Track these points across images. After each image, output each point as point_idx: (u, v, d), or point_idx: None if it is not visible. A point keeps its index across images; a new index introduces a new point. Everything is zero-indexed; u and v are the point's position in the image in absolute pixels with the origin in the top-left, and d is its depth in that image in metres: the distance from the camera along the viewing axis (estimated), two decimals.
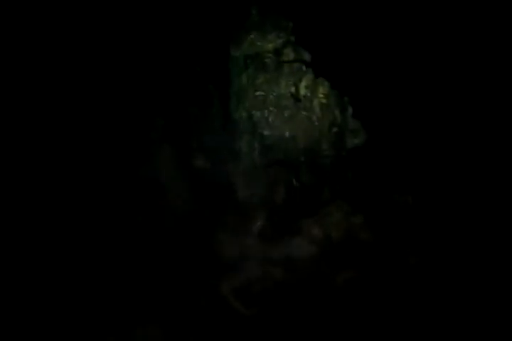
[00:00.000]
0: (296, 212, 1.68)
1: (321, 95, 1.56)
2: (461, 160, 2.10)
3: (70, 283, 1.89)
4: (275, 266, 1.64)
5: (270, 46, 1.56)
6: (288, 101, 1.59)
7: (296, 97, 1.55)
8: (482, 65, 2.14)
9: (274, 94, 1.58)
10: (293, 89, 1.55)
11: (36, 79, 2.03)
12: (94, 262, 1.87)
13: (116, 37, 2.05)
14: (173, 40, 2.04)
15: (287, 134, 1.58)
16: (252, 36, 1.56)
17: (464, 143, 2.11)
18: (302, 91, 1.55)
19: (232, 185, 1.79)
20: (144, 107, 1.98)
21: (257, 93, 1.58)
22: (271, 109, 1.60)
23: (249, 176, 1.73)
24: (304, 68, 1.54)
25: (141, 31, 2.07)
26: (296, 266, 1.62)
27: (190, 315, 1.73)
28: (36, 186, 1.99)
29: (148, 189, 1.90)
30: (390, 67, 1.99)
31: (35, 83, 2.03)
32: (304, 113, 1.59)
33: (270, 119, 1.59)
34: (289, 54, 1.58)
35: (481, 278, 1.98)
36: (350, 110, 1.62)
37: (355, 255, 1.73)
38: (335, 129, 1.61)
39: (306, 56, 1.58)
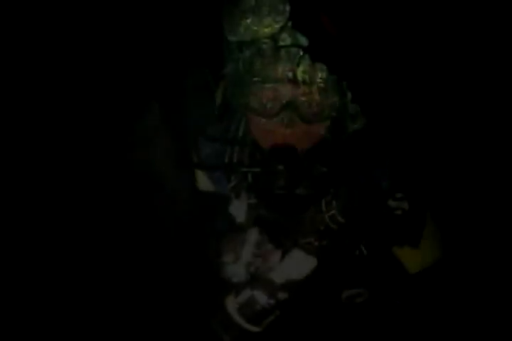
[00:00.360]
0: (296, 200, 1.66)
1: (320, 80, 1.54)
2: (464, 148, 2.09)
3: (62, 286, 1.86)
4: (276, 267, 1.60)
5: (267, 31, 1.50)
6: (286, 87, 1.56)
7: (294, 82, 1.53)
8: (484, 47, 2.13)
9: (272, 79, 1.56)
10: (290, 75, 1.53)
11: (27, 65, 2.00)
12: (92, 264, 1.84)
13: (107, 22, 2.02)
14: (167, 26, 2.01)
15: (286, 120, 1.56)
16: (248, 21, 1.46)
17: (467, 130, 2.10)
18: (300, 77, 1.53)
19: (232, 176, 1.77)
20: (138, 98, 1.95)
21: (254, 79, 1.55)
22: (268, 95, 1.58)
23: (248, 165, 1.70)
24: (301, 53, 1.51)
25: (135, 17, 2.04)
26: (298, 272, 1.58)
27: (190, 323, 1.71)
28: (22, 179, 1.95)
29: (147, 185, 1.87)
30: (389, 51, 1.97)
31: (26, 70, 1.99)
32: (303, 98, 1.56)
33: (268, 106, 1.57)
34: (286, 39, 1.52)
35: (484, 283, 1.97)
36: (349, 95, 1.59)
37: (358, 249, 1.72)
38: (334, 114, 1.59)
39: (303, 41, 1.55)
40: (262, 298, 1.51)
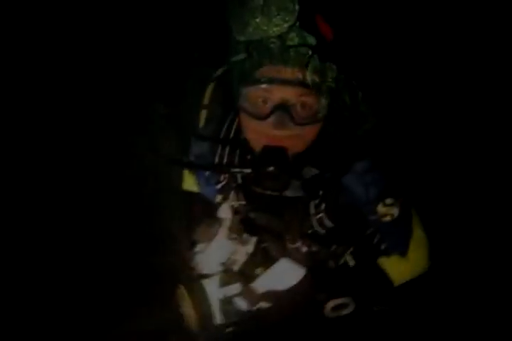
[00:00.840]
0: (285, 202, 1.64)
1: (330, 79, 1.49)
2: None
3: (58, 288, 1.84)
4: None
5: (276, 30, 1.42)
6: (286, 88, 1.53)
7: (303, 83, 1.51)
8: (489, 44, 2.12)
9: (280, 80, 1.53)
10: (300, 75, 1.51)
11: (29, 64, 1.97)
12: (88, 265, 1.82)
13: (112, 23, 1.99)
14: (172, 25, 1.99)
15: (277, 122, 1.45)
16: (257, 20, 1.41)
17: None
18: (309, 77, 1.50)
19: (221, 177, 1.75)
20: (141, 96, 1.93)
21: (263, 79, 1.53)
22: (263, 96, 1.47)
23: (239, 166, 1.67)
24: (310, 52, 1.49)
25: (138, 15, 2.01)
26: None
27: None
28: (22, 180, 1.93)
29: (148, 185, 1.85)
30: (398, 50, 1.96)
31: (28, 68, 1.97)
32: (303, 99, 1.52)
33: (260, 107, 1.49)
34: (294, 38, 1.50)
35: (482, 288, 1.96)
36: (360, 94, 1.58)
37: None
38: (345, 113, 1.55)
39: (311, 40, 1.52)
40: (242, 304, 1.48)
